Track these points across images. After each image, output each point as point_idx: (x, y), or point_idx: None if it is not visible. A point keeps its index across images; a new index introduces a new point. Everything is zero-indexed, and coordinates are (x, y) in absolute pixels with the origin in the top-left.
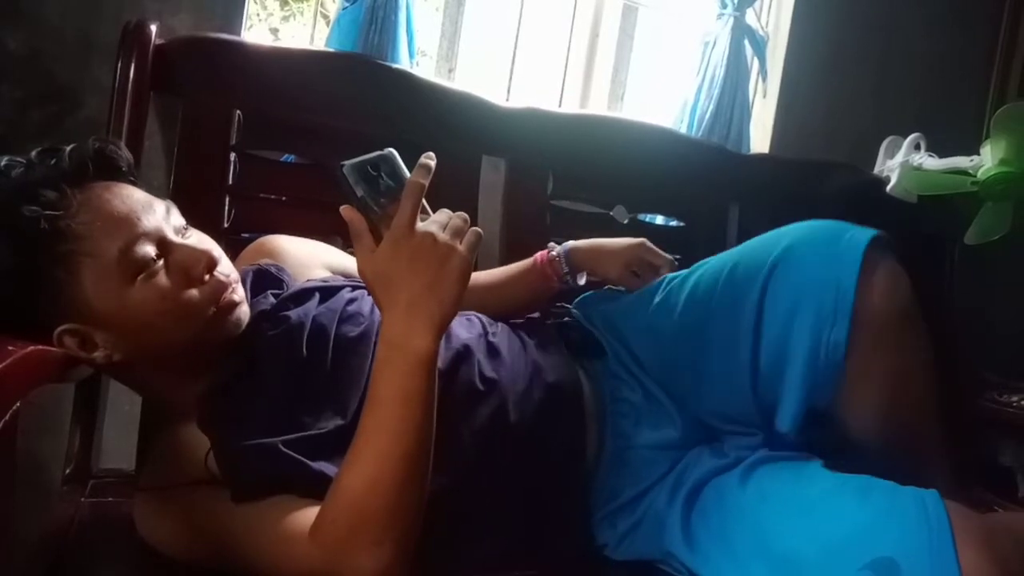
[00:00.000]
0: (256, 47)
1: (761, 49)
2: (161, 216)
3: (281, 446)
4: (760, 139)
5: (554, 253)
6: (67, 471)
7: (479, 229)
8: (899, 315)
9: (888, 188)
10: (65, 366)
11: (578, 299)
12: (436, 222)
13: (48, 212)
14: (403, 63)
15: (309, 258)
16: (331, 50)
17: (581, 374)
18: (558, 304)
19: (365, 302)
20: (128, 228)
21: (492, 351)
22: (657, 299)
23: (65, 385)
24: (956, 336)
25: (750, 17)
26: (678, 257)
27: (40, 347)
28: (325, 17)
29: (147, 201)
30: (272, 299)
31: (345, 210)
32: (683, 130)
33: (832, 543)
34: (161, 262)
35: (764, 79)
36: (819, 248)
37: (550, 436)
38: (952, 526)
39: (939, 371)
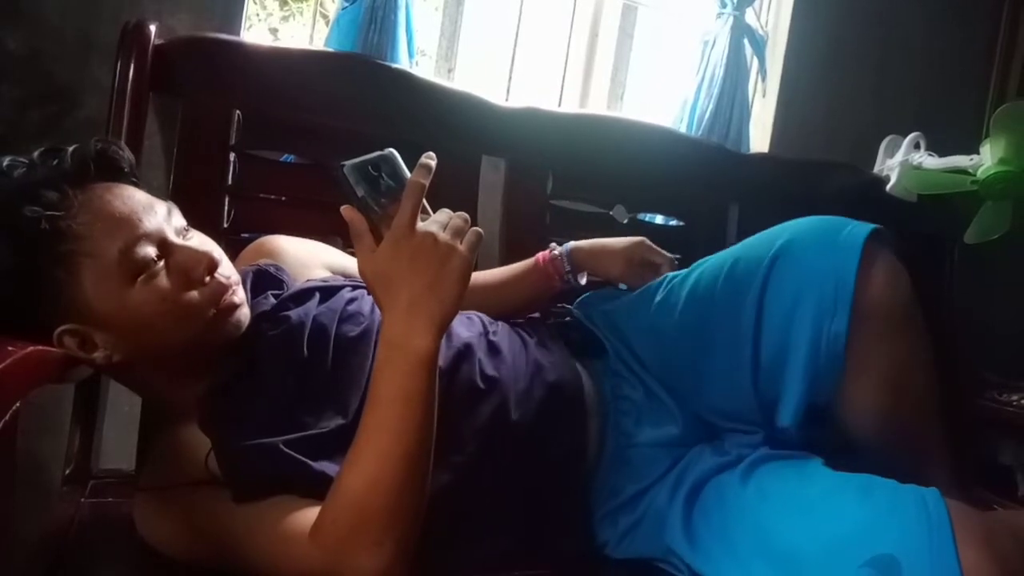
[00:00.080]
0: (256, 47)
1: (760, 48)
2: (162, 217)
3: (282, 446)
4: (760, 138)
5: (556, 252)
6: (67, 471)
7: (480, 229)
8: (899, 308)
9: (888, 187)
10: (65, 366)
11: (579, 299)
12: (437, 222)
13: (49, 212)
14: (402, 63)
15: (309, 258)
16: (330, 50)
17: (582, 372)
18: (559, 304)
19: (365, 302)
20: (129, 229)
21: (493, 350)
22: (658, 298)
23: (65, 385)
24: (956, 336)
25: (749, 16)
26: (678, 257)
27: (40, 347)
28: (324, 17)
29: (148, 202)
30: (272, 299)
31: (346, 210)
32: (683, 129)
33: (833, 541)
34: (162, 263)
35: (764, 78)
36: (819, 242)
37: (551, 435)
38: (952, 524)
39: (939, 371)
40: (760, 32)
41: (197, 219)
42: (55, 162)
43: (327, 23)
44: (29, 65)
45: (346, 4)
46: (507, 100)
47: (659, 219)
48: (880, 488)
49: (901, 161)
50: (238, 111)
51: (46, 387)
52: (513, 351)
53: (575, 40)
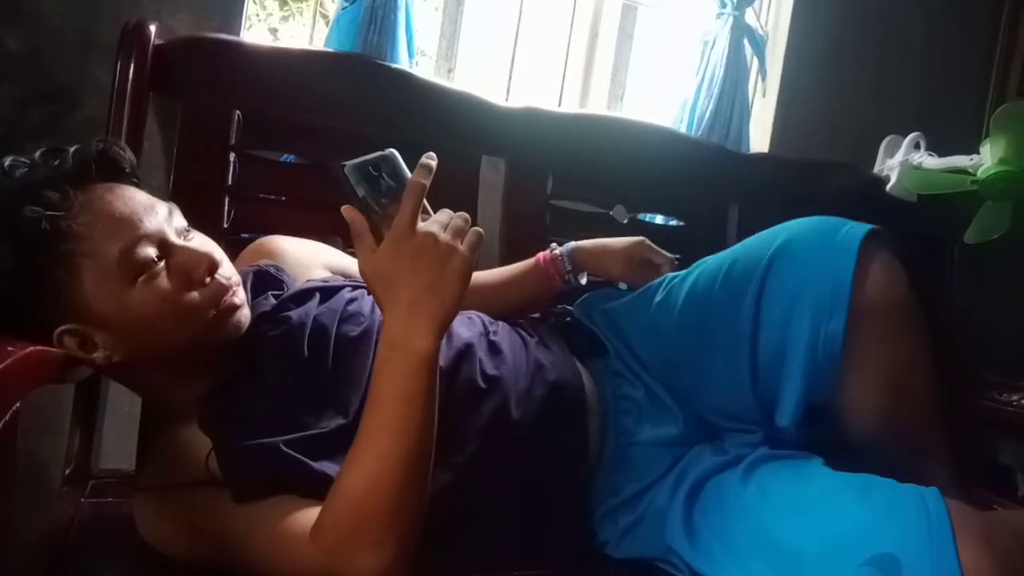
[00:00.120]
0: (255, 47)
1: (760, 48)
2: (163, 218)
3: (282, 446)
4: (760, 138)
5: (557, 252)
6: (67, 471)
7: (480, 229)
8: (897, 307)
9: (888, 187)
10: (65, 366)
11: (579, 299)
12: (437, 222)
13: (49, 212)
14: (402, 63)
15: (309, 258)
16: (330, 50)
17: (583, 372)
18: (559, 304)
19: (365, 302)
20: (129, 229)
21: (494, 349)
22: (658, 298)
23: (65, 385)
24: (956, 336)
25: (749, 16)
26: (678, 257)
27: (40, 347)
28: (324, 17)
29: (149, 203)
30: (273, 300)
31: (346, 210)
32: (683, 129)
33: (833, 540)
34: (162, 264)
35: (763, 78)
36: (816, 242)
37: (552, 434)
38: (952, 523)
39: (939, 371)
40: (760, 32)
41: (197, 219)
42: (56, 162)
43: (327, 23)
44: (29, 65)
45: (346, 4)
46: (507, 100)
47: (659, 219)
48: (880, 488)
49: (901, 161)
50: (238, 111)
51: (46, 387)
52: (514, 351)
53: (575, 40)
